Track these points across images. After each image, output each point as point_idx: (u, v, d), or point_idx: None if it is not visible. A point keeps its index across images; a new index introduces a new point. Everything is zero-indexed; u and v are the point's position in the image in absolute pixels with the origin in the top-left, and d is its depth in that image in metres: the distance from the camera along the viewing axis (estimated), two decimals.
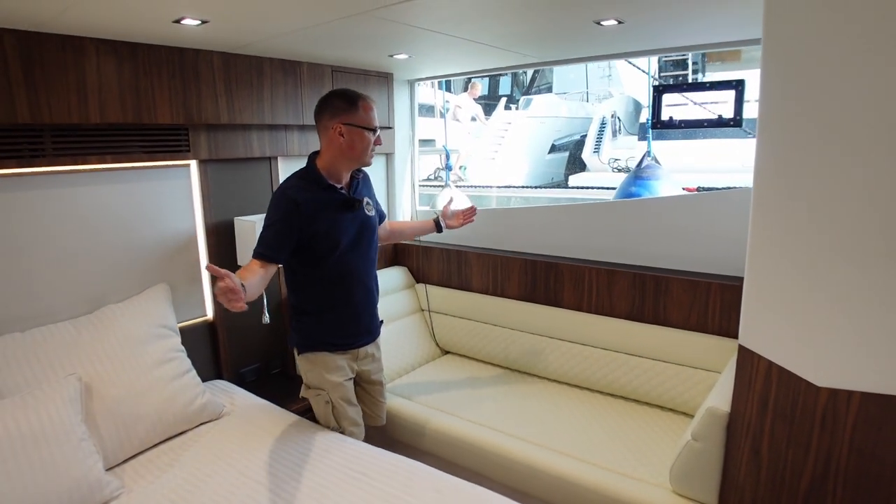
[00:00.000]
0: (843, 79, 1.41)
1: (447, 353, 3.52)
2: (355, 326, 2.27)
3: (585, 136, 12.59)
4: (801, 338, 1.60)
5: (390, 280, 3.50)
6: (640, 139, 11.81)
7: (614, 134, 12.49)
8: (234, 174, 2.77)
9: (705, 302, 2.66)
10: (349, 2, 1.83)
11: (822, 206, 1.50)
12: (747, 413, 1.81)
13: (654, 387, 2.72)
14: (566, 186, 11.51)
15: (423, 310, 3.57)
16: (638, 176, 4.48)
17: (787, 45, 1.55)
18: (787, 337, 1.65)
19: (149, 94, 2.30)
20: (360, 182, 2.25)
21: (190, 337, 2.62)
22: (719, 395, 2.01)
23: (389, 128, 3.41)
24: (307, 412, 2.42)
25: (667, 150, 11.07)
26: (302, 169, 2.15)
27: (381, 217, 2.46)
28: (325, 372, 2.22)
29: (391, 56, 2.77)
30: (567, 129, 12.95)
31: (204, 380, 2.59)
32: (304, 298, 2.19)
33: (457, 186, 5.01)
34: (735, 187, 2.80)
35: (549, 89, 14.22)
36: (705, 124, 2.80)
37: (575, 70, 14.00)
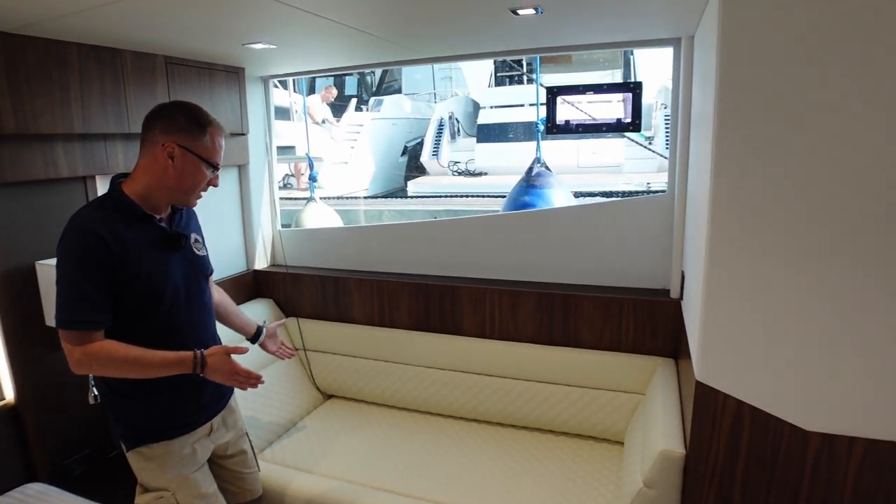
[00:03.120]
0: (805, 82, 1.26)
1: (330, 397, 3.02)
2: (200, 397, 1.75)
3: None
4: (780, 375, 1.41)
5: (253, 316, 2.88)
6: (478, 141, 11.96)
7: (453, 136, 12.56)
8: (33, 202, 2.03)
9: (618, 319, 2.49)
10: None
11: (799, 220, 1.32)
12: (711, 457, 1.60)
13: (574, 415, 2.49)
14: (404, 195, 11.25)
15: (297, 349, 3.03)
16: (530, 184, 4.27)
17: (743, 48, 1.35)
18: (760, 374, 1.45)
19: None
20: (183, 214, 1.76)
21: None
22: (666, 433, 1.81)
23: (242, 134, 2.81)
24: None
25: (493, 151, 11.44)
26: (102, 196, 1.62)
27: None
28: (165, 469, 1.69)
29: (245, 45, 2.21)
30: (419, 130, 12.83)
31: (8, 487, 1.92)
32: None
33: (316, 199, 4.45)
34: (635, 193, 2.67)
35: (399, 90, 13.98)
36: (603, 128, 2.62)
37: (422, 71, 13.91)
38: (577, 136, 10.86)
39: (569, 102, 2.66)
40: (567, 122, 2.67)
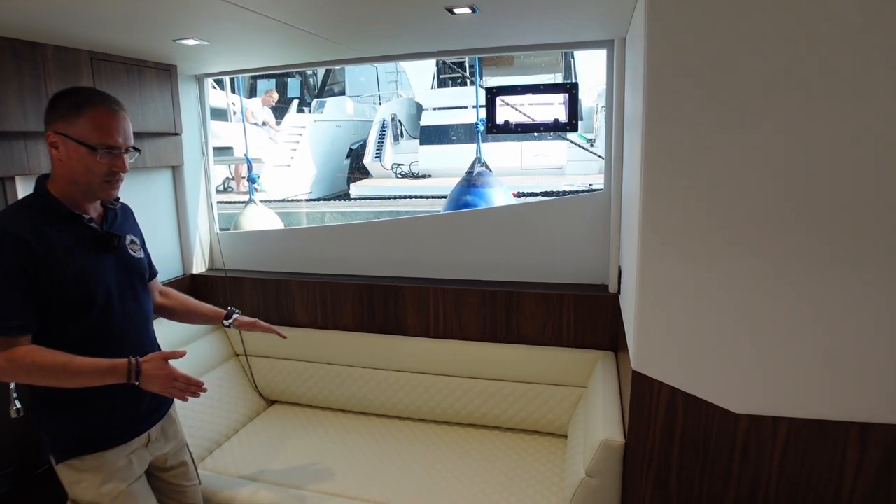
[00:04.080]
0: (728, 83, 1.34)
1: (274, 403, 2.95)
2: (137, 406, 1.68)
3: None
4: (710, 362, 1.48)
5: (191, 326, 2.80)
6: (421, 143, 11.93)
7: (396, 138, 12.49)
8: None
9: (559, 315, 2.54)
10: None
11: (724, 213, 1.39)
12: (649, 444, 1.66)
13: (518, 411, 2.52)
14: (347, 197, 11.09)
15: (237, 354, 2.95)
16: (471, 184, 4.31)
17: (669, 50, 1.43)
18: (692, 362, 1.52)
19: None
20: (117, 213, 1.68)
21: None
22: (606, 423, 1.85)
23: (176, 134, 2.71)
24: None
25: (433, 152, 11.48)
26: (27, 197, 1.55)
27: (151, 272, 1.86)
28: (99, 482, 1.60)
29: (177, 41, 2.14)
30: (364, 132, 12.68)
31: None
32: None
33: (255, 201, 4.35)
34: (572, 192, 2.74)
35: (342, 92, 13.78)
36: (542, 128, 2.68)
37: (366, 73, 13.79)
38: (516, 139, 11.04)
39: (508, 104, 2.70)
40: (506, 122, 2.70)
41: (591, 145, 11.37)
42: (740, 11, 1.29)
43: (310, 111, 12.71)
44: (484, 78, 13.05)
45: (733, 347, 1.42)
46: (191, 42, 2.15)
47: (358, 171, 12.71)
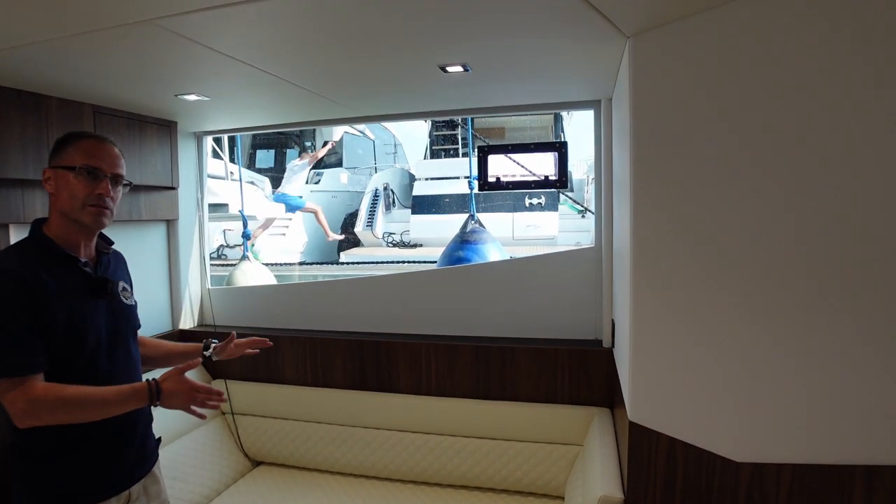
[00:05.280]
0: (710, 141, 1.38)
1: (259, 464, 2.83)
2: (119, 459, 1.60)
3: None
4: (709, 410, 1.45)
5: None
6: (413, 212, 12.07)
7: (388, 207, 12.62)
8: None
9: (553, 371, 2.50)
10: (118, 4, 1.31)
11: (714, 263, 1.40)
12: (649, 498, 1.60)
13: (513, 471, 2.43)
14: (337, 262, 11.08)
15: (223, 413, 2.86)
16: (464, 240, 4.36)
17: (653, 109, 1.49)
18: (690, 411, 1.49)
19: None
20: (110, 259, 1.68)
21: None
22: (604, 478, 1.79)
23: (172, 188, 2.75)
24: None
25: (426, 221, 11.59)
26: (22, 240, 1.56)
27: None
28: None
29: (178, 96, 2.21)
30: (359, 203, 12.85)
31: None
32: (32, 431, 1.46)
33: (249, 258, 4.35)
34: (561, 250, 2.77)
35: (340, 163, 14.09)
36: (532, 185, 2.73)
37: (363, 145, 14.15)
38: (509, 207, 11.18)
39: (501, 155, 2.77)
40: (498, 178, 2.77)
41: (583, 216, 11.56)
42: (722, 70, 1.35)
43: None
44: (475, 146, 13.37)
45: (731, 395, 1.39)
46: (192, 97, 2.22)
47: (349, 239, 12.78)
